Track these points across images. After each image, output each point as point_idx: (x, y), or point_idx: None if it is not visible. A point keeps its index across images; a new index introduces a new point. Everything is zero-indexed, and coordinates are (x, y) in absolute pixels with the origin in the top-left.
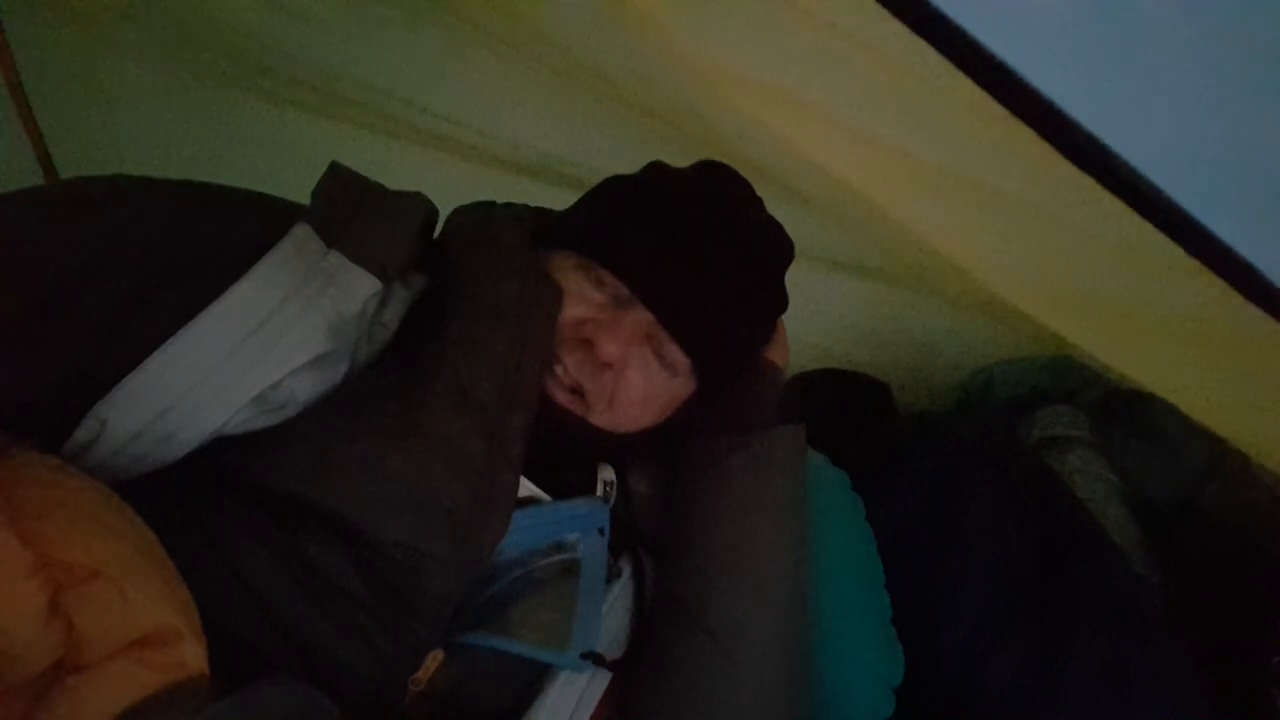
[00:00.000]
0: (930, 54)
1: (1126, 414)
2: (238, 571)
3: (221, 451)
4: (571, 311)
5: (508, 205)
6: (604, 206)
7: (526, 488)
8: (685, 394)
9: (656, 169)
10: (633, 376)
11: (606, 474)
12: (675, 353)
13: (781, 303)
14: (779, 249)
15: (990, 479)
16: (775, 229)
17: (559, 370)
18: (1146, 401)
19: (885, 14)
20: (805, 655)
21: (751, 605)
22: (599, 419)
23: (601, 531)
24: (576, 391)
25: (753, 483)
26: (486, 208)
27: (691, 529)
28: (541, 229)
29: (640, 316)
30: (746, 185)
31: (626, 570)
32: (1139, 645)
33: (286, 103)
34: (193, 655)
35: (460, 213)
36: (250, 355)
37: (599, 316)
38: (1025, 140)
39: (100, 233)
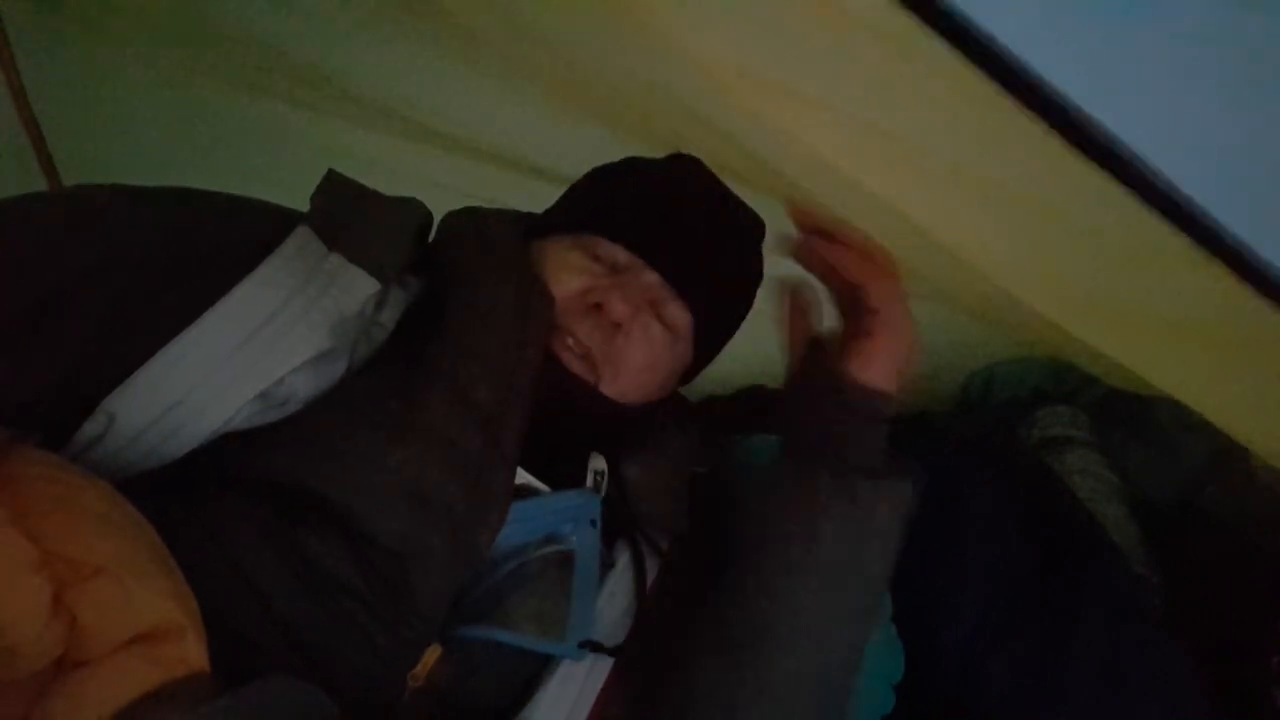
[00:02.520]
0: (938, 46)
1: (1126, 414)
2: (238, 567)
3: (223, 448)
4: (576, 285)
5: (499, 210)
6: (590, 190)
7: (522, 476)
8: (685, 364)
9: (633, 158)
10: (638, 341)
11: (597, 464)
12: (677, 312)
13: (760, 273)
14: (754, 220)
15: (990, 479)
16: (747, 206)
17: (570, 341)
18: (1146, 401)
19: (897, 6)
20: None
21: (800, 665)
22: (609, 388)
23: (593, 523)
24: (587, 360)
25: (849, 543)
26: (478, 212)
27: (755, 562)
28: (531, 227)
29: (641, 278)
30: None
31: (623, 559)
32: (1139, 645)
33: (286, 102)
34: (194, 651)
35: (452, 216)
36: (255, 352)
37: (603, 282)
38: (1033, 133)
39: (103, 235)
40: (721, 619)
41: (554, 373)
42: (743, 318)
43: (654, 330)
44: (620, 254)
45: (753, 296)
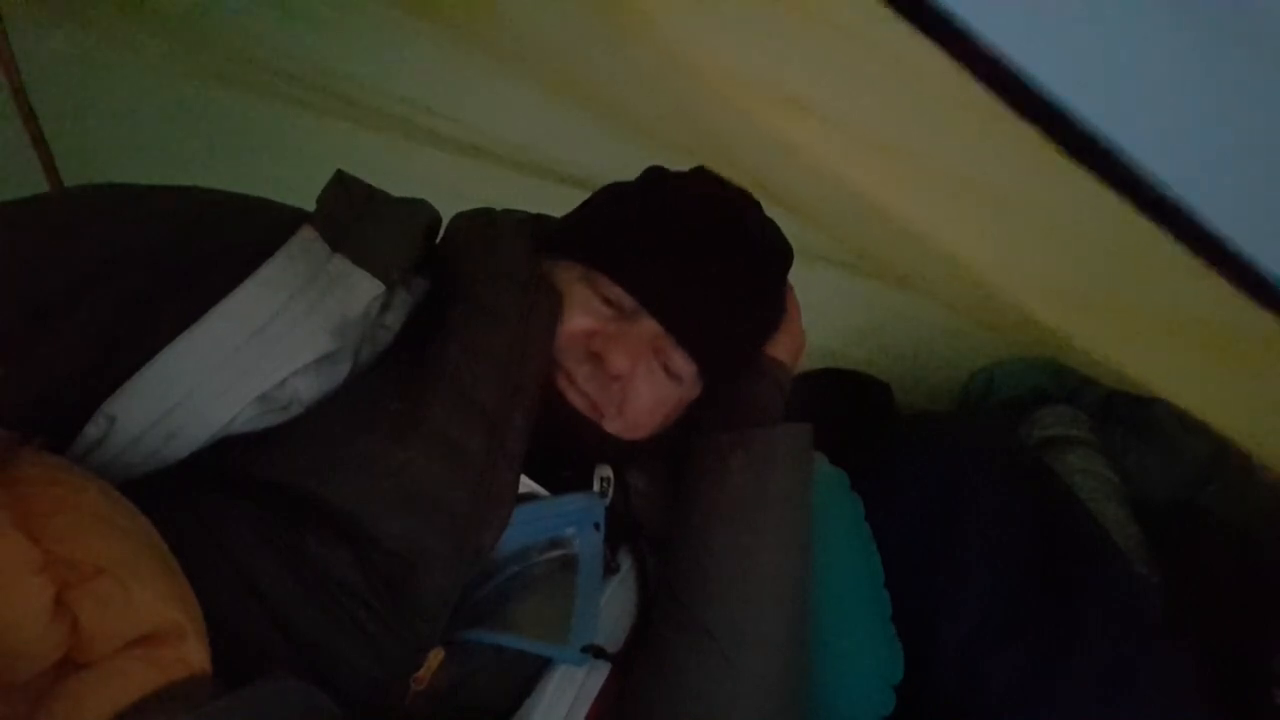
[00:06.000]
0: (935, 54)
1: (1126, 414)
2: (240, 569)
3: (226, 451)
4: (579, 324)
5: (508, 211)
6: (607, 217)
7: (525, 484)
8: (691, 398)
9: (656, 176)
10: (641, 388)
11: (603, 470)
12: (682, 362)
13: (782, 304)
14: (779, 253)
15: (990, 479)
16: (775, 232)
17: (568, 382)
18: (1146, 402)
19: (890, 13)
20: (805, 656)
21: (750, 605)
22: (611, 426)
23: (597, 526)
24: (588, 400)
25: (753, 482)
26: (487, 213)
27: (691, 527)
28: (544, 236)
29: (647, 327)
30: (743, 190)
31: (626, 564)
32: (1139, 645)
33: (287, 102)
34: (195, 653)
35: (461, 218)
36: (255, 354)
37: (607, 329)
38: (1030, 141)
39: (105, 237)
40: (672, 592)
41: (557, 407)
42: (757, 353)
43: (658, 375)
44: (626, 298)
45: (770, 333)
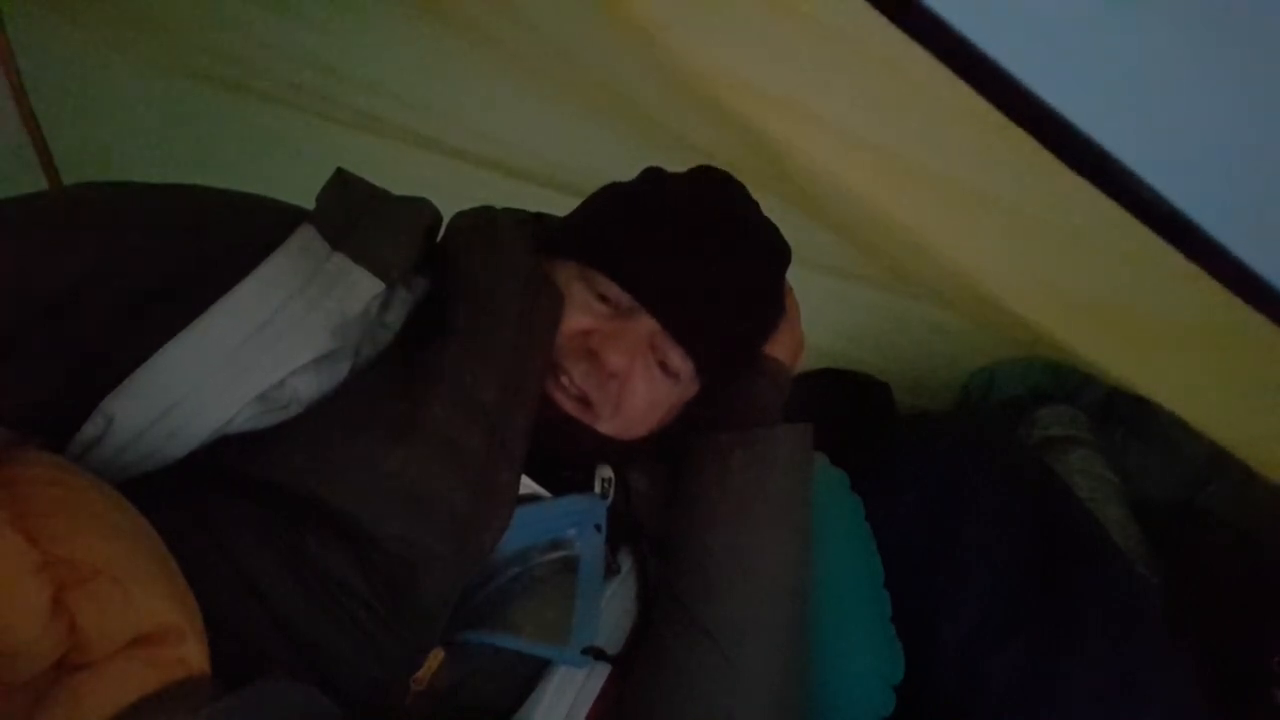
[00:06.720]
0: (929, 61)
1: (1126, 414)
2: (240, 569)
3: (225, 450)
4: (575, 322)
5: (509, 210)
6: (603, 215)
7: (526, 485)
8: (688, 397)
9: (653, 176)
10: (638, 385)
11: (604, 471)
12: (679, 360)
13: (781, 304)
14: (776, 252)
15: (990, 479)
16: (772, 231)
17: (564, 380)
18: (1147, 401)
19: (885, 21)
20: (805, 655)
21: (750, 605)
22: (606, 426)
23: (598, 527)
24: (583, 400)
25: (753, 481)
26: (488, 212)
27: (691, 527)
28: (542, 236)
29: (643, 325)
30: (742, 189)
31: (626, 565)
32: (1139, 645)
33: (285, 103)
34: (194, 654)
35: (462, 216)
36: (254, 353)
37: (603, 327)
38: (1025, 147)
39: (108, 236)
40: (672, 592)
41: (549, 412)
42: (755, 353)
43: (655, 372)
44: (623, 296)
45: (771, 329)
